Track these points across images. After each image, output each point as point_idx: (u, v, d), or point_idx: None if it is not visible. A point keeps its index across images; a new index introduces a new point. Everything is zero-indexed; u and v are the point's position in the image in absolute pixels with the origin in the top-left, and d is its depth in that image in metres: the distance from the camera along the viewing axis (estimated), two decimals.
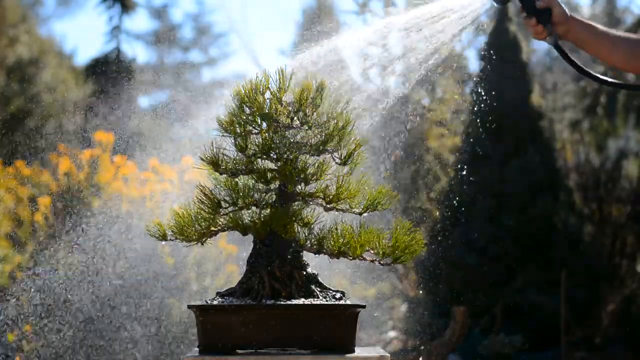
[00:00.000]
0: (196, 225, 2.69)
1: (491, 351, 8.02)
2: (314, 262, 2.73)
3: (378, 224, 2.70)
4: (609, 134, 10.48)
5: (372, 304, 7.35)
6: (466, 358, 7.85)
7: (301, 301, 2.60)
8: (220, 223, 2.71)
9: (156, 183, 6.28)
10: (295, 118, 2.68)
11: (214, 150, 2.69)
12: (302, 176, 2.67)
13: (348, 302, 2.64)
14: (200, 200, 2.69)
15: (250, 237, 2.71)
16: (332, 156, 2.72)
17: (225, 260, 6.28)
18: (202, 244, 2.72)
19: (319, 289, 2.66)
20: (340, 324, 2.58)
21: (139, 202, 6.13)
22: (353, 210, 2.74)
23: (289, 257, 2.66)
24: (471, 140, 8.90)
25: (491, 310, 8.42)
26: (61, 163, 6.19)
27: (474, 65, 11.06)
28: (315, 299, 2.62)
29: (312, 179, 2.69)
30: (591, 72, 3.30)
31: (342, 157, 2.72)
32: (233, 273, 6.11)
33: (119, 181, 6.17)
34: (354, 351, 2.60)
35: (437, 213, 8.85)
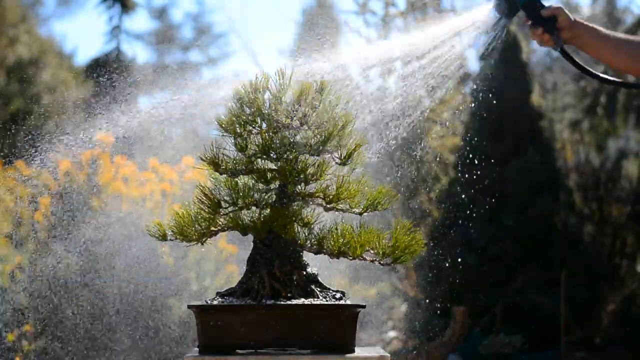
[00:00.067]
0: (196, 225, 2.69)
1: (491, 351, 8.02)
2: (314, 262, 2.74)
3: (378, 224, 2.70)
4: (609, 134, 10.48)
5: (372, 304, 7.35)
6: (466, 358, 7.85)
7: (301, 301, 2.60)
8: (220, 223, 2.71)
9: (156, 183, 6.28)
10: (295, 118, 2.68)
11: (214, 150, 2.69)
12: (302, 176, 2.67)
13: (348, 302, 2.64)
14: (200, 200, 2.69)
15: (250, 237, 2.71)
16: (332, 156, 2.72)
17: (225, 260, 6.28)
18: (202, 244, 2.72)
19: (319, 289, 2.67)
20: (340, 324, 2.58)
21: (139, 202, 6.13)
22: (353, 210, 2.74)
23: (289, 257, 2.66)
24: (471, 140, 8.90)
25: (491, 310, 8.42)
26: (61, 163, 6.19)
27: (474, 65, 11.06)
28: (315, 299, 2.62)
29: (312, 179, 2.69)
30: (601, 74, 3.32)
31: (342, 157, 2.72)
32: (233, 273, 6.11)
33: (119, 181, 6.17)
34: (354, 351, 2.60)
35: (437, 213, 8.85)
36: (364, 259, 2.69)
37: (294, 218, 2.65)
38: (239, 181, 2.72)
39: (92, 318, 5.69)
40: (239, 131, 2.68)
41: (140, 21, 29.95)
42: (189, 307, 2.63)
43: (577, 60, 3.26)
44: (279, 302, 2.58)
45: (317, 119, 2.69)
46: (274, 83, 2.67)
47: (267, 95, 2.69)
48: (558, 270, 8.45)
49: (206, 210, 2.69)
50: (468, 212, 8.59)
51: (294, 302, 2.59)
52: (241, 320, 2.56)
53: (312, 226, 2.68)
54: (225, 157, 2.70)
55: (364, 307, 2.64)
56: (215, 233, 2.73)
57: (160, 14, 20.50)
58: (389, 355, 2.59)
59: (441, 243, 8.16)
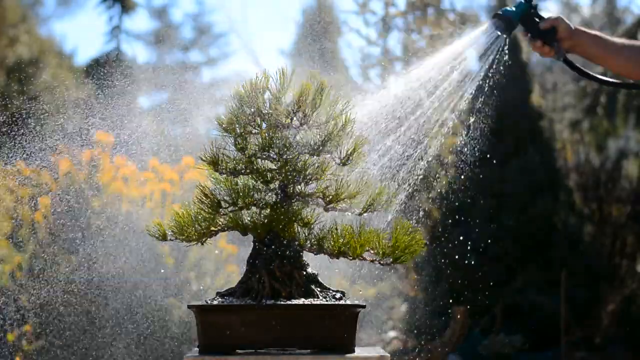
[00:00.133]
0: (196, 225, 2.69)
1: (491, 351, 8.02)
2: (314, 262, 2.74)
3: (378, 224, 2.70)
4: (609, 134, 10.48)
5: (372, 304, 7.35)
6: (466, 358, 7.85)
7: (301, 301, 2.60)
8: (220, 223, 2.71)
9: (156, 183, 6.28)
10: (294, 118, 2.68)
11: (214, 150, 2.69)
12: (302, 176, 2.67)
13: (348, 302, 2.64)
14: (200, 200, 2.69)
15: (250, 237, 2.71)
16: (332, 156, 2.72)
17: (225, 260, 6.28)
18: (202, 244, 2.73)
19: (319, 289, 2.67)
20: (340, 324, 2.58)
21: (138, 202, 6.13)
22: (353, 210, 2.74)
23: (289, 257, 2.66)
24: (471, 140, 8.89)
25: (491, 310, 8.42)
26: (61, 163, 6.19)
27: (474, 65, 11.04)
28: (315, 299, 2.62)
29: (312, 179, 2.69)
30: (607, 79, 3.33)
31: (342, 157, 2.72)
32: (233, 273, 6.11)
33: (119, 181, 6.17)
34: (354, 351, 2.60)
35: (437, 213, 8.85)
36: (364, 259, 2.69)
37: (294, 218, 2.65)
38: (239, 181, 2.72)
39: (92, 318, 5.69)
40: (239, 131, 2.68)
41: (140, 21, 29.95)
42: (189, 307, 2.63)
43: (581, 68, 3.27)
44: (279, 302, 2.58)
45: (317, 119, 2.69)
46: (274, 83, 2.67)
47: (267, 95, 2.69)
48: (558, 270, 8.45)
49: (206, 210, 2.69)
50: (468, 212, 8.59)
51: (294, 302, 2.59)
52: (241, 320, 2.56)
53: (312, 226, 2.68)
54: (225, 157, 2.70)
55: (364, 307, 2.65)
56: (215, 233, 2.73)
57: (160, 14, 20.50)
58: (389, 355, 2.59)
59: (441, 243, 8.16)
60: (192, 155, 6.30)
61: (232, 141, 2.69)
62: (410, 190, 3.15)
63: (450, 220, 8.60)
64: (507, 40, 3.29)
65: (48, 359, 5.64)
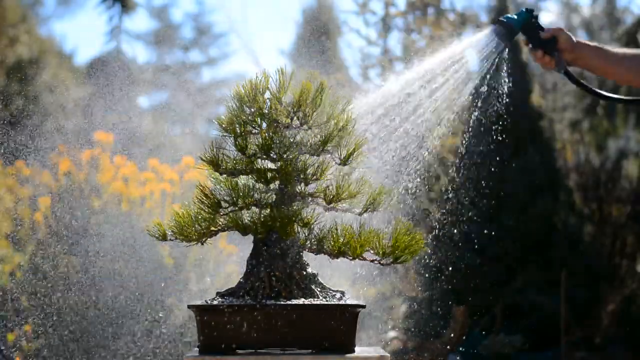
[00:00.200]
0: (196, 225, 2.69)
1: (491, 351, 8.02)
2: (314, 262, 2.74)
3: (378, 224, 2.70)
4: (609, 134, 10.48)
5: (372, 304, 7.35)
6: (466, 358, 7.85)
7: (301, 301, 2.60)
8: (220, 223, 2.71)
9: (156, 183, 6.28)
10: (295, 118, 2.68)
11: (214, 150, 2.69)
12: (302, 176, 2.67)
13: (348, 302, 2.64)
14: (200, 200, 2.69)
15: (250, 237, 2.71)
16: (332, 156, 2.72)
17: (225, 260, 6.28)
18: (202, 244, 2.72)
19: (319, 289, 2.67)
20: (340, 324, 2.58)
21: (139, 202, 6.13)
22: (353, 210, 2.74)
23: (289, 257, 2.66)
24: (471, 140, 8.90)
25: (491, 310, 8.42)
26: (61, 163, 6.19)
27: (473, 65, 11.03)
28: (315, 299, 2.62)
29: (312, 179, 2.69)
30: (608, 94, 3.33)
31: (342, 157, 2.72)
32: (233, 273, 6.11)
33: (119, 181, 6.17)
34: (354, 351, 2.60)
35: (437, 213, 8.84)
36: (364, 259, 2.69)
37: (294, 218, 2.65)
38: (239, 181, 2.71)
39: (92, 318, 5.69)
40: (239, 131, 2.68)
41: (140, 21, 29.97)
42: (189, 307, 2.63)
43: (581, 81, 3.26)
44: (279, 302, 2.58)
45: (317, 119, 2.69)
46: (274, 83, 2.67)
47: (267, 95, 2.69)
48: (558, 270, 8.45)
49: (206, 210, 2.68)
50: (468, 212, 8.58)
51: (294, 302, 2.59)
52: (241, 320, 2.56)
53: (312, 226, 2.68)
54: (225, 157, 2.70)
55: (364, 307, 2.64)
56: (215, 233, 2.73)
57: (160, 14, 20.51)
58: (389, 355, 2.59)
59: (441, 243, 8.16)
60: (192, 155, 6.31)
61: (232, 141, 2.69)
62: (412, 191, 3.15)
63: (450, 221, 8.59)
64: (507, 49, 3.27)
65: (48, 359, 5.64)
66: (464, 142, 9.11)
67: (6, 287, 5.81)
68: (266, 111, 2.67)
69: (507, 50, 3.27)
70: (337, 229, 2.66)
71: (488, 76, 3.27)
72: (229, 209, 2.69)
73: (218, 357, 2.56)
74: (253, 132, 2.69)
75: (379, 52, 10.23)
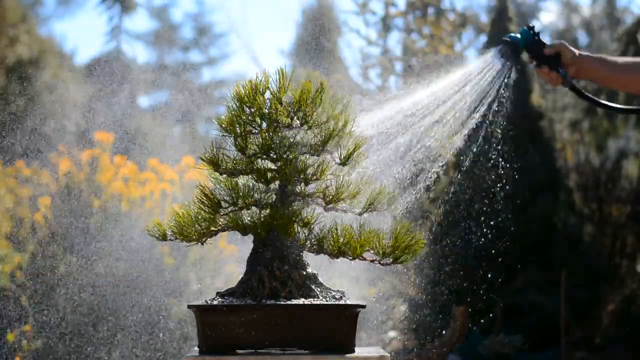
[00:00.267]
0: (196, 225, 2.69)
1: (491, 351, 8.03)
2: (314, 263, 2.74)
3: (379, 224, 2.70)
4: (609, 134, 10.48)
5: (372, 304, 7.36)
6: (466, 358, 7.86)
7: (301, 301, 2.60)
8: (220, 223, 2.71)
9: (156, 183, 6.29)
10: (295, 118, 2.68)
11: (214, 150, 2.69)
12: (302, 176, 2.67)
13: (348, 302, 2.64)
14: (200, 200, 2.69)
15: (250, 237, 2.71)
16: (332, 156, 2.72)
17: (225, 260, 6.28)
18: (202, 244, 2.72)
19: (319, 289, 2.67)
20: (340, 324, 2.58)
21: (138, 202, 6.13)
22: (353, 210, 2.74)
23: (289, 257, 2.66)
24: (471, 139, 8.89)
25: (491, 310, 8.43)
26: (61, 163, 6.20)
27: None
28: (315, 299, 2.62)
29: (312, 179, 2.69)
30: (616, 105, 3.34)
31: (342, 157, 2.72)
32: (233, 273, 6.11)
33: (119, 181, 6.18)
34: (354, 351, 2.60)
35: (437, 213, 8.85)
36: (364, 259, 2.69)
37: (294, 218, 2.65)
38: (239, 181, 2.72)
39: (92, 318, 5.69)
40: (239, 131, 2.68)
41: (140, 21, 29.99)
42: (189, 307, 2.63)
43: (588, 95, 3.27)
44: (279, 302, 2.58)
45: (317, 118, 2.69)
46: (274, 83, 2.67)
47: (267, 95, 2.69)
48: (558, 270, 8.46)
49: (206, 210, 2.68)
50: (468, 212, 8.59)
51: (294, 302, 2.59)
52: (241, 320, 2.56)
53: (312, 226, 2.68)
54: (225, 157, 2.70)
55: (364, 307, 2.64)
56: (215, 233, 2.73)
57: (160, 14, 20.51)
58: (389, 355, 2.59)
59: (441, 243, 8.16)
60: (192, 155, 6.31)
61: (232, 141, 2.69)
62: (417, 193, 3.16)
63: (450, 221, 8.60)
64: (514, 68, 3.27)
65: (48, 359, 5.64)
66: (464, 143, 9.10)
67: (6, 287, 5.81)
68: (266, 111, 2.67)
69: (514, 69, 3.27)
70: (337, 229, 2.66)
71: (498, 94, 3.28)
72: (229, 209, 2.69)
73: (218, 357, 2.56)
74: (253, 132, 2.69)
75: (379, 52, 10.24)
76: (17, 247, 6.01)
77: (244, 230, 2.69)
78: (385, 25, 10.19)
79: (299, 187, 2.70)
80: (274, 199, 2.70)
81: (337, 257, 2.69)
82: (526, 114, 9.35)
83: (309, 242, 2.69)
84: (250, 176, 2.70)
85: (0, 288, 5.81)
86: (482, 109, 3.25)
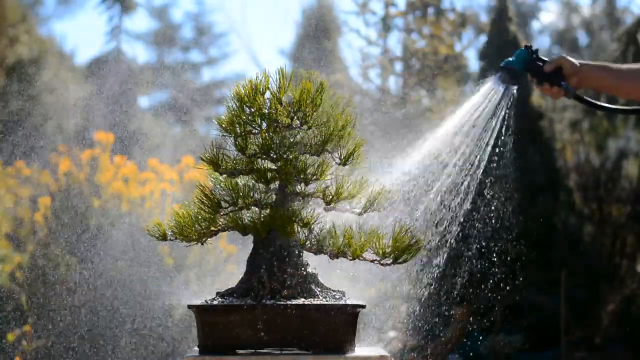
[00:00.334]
0: (196, 225, 2.69)
1: (491, 351, 8.02)
2: (314, 263, 2.73)
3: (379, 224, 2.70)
4: (609, 134, 10.48)
5: (372, 304, 7.36)
6: (466, 358, 7.85)
7: (301, 301, 2.60)
8: (220, 223, 2.71)
9: (156, 183, 6.29)
10: (295, 118, 2.68)
11: (214, 150, 2.69)
12: (302, 176, 2.67)
13: (348, 302, 2.64)
14: (200, 200, 2.69)
15: (250, 237, 2.71)
16: (332, 156, 2.72)
17: (225, 260, 6.28)
18: (202, 244, 2.72)
19: (319, 289, 2.66)
20: (340, 324, 2.58)
21: (138, 202, 6.13)
22: (353, 210, 2.74)
23: (289, 257, 2.66)
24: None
25: (491, 310, 8.43)
26: (61, 163, 6.20)
27: (474, 65, 11.06)
28: (315, 299, 2.62)
29: (312, 179, 2.69)
30: (618, 107, 3.36)
31: (342, 157, 2.72)
32: (233, 273, 6.11)
33: (119, 181, 6.18)
34: (354, 351, 2.60)
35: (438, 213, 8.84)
36: (364, 259, 2.69)
37: (294, 218, 2.65)
38: (239, 181, 2.71)
39: (92, 318, 5.69)
40: (239, 131, 2.68)
41: (140, 21, 29.99)
42: (189, 307, 2.63)
43: (594, 101, 3.28)
44: (279, 302, 2.58)
45: (317, 119, 2.69)
46: (274, 83, 2.67)
47: (267, 95, 2.69)
48: (558, 270, 8.45)
49: (206, 210, 2.68)
50: (468, 212, 8.57)
51: (294, 302, 2.59)
52: (241, 320, 2.56)
53: (312, 226, 2.68)
54: (225, 157, 2.69)
55: (364, 307, 2.64)
56: (215, 233, 2.73)
57: (160, 14, 20.52)
58: (389, 355, 2.59)
59: (441, 243, 8.15)
60: (192, 155, 6.31)
61: (232, 141, 2.69)
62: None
63: (449, 220, 8.59)
64: (517, 90, 3.28)
65: (48, 359, 5.64)
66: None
67: (6, 287, 5.81)
68: (266, 111, 2.67)
69: (517, 90, 3.29)
70: (337, 229, 2.66)
71: (505, 116, 3.29)
72: (229, 209, 2.69)
73: (218, 357, 2.56)
74: (253, 132, 2.69)
75: (379, 52, 10.24)
76: (17, 247, 6.01)
77: (244, 230, 2.69)
78: (385, 25, 10.19)
79: (299, 187, 2.70)
80: (274, 199, 2.69)
81: (337, 257, 2.69)
82: (526, 114, 9.35)
83: (309, 242, 2.69)
84: (250, 176, 2.70)
85: (1, 288, 5.81)
86: (493, 134, 3.29)
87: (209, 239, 2.73)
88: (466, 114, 3.25)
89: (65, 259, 5.75)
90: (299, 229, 2.68)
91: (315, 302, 2.60)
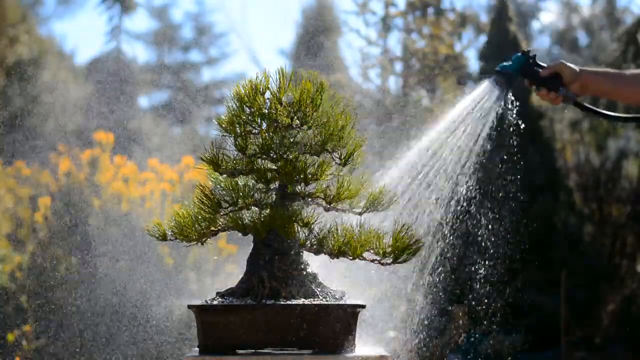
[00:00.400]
0: (196, 225, 2.69)
1: (491, 351, 8.03)
2: (314, 263, 2.74)
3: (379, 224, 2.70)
4: (609, 134, 10.49)
5: (372, 304, 7.35)
6: (466, 358, 7.85)
7: (301, 301, 2.60)
8: (220, 223, 2.71)
9: (156, 183, 6.29)
10: (295, 118, 2.68)
11: (214, 150, 2.69)
12: (302, 176, 2.67)
13: (348, 302, 2.64)
14: (200, 200, 2.69)
15: (250, 237, 2.71)
16: (332, 156, 2.72)
17: (225, 260, 6.28)
18: (202, 244, 2.72)
19: (319, 289, 2.66)
20: (340, 324, 2.58)
21: (138, 202, 6.13)
22: (353, 210, 2.74)
23: (289, 257, 2.66)
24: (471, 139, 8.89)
25: (491, 311, 8.43)
26: (61, 163, 6.20)
27: (474, 65, 11.06)
28: (315, 299, 2.62)
29: (312, 179, 2.68)
30: (620, 114, 3.36)
31: (342, 157, 2.71)
32: (233, 273, 6.11)
33: (119, 181, 6.18)
34: (354, 351, 2.60)
35: (437, 213, 8.84)
36: (364, 259, 2.69)
37: (294, 218, 2.65)
38: (239, 181, 2.71)
39: (92, 318, 5.69)
40: (239, 131, 2.68)
41: (140, 21, 29.99)
42: (189, 307, 2.63)
43: (594, 108, 3.28)
44: (278, 302, 2.58)
45: (317, 119, 2.69)
46: (274, 83, 2.67)
47: (267, 95, 2.69)
48: (558, 270, 8.46)
49: (206, 210, 2.68)
50: (468, 212, 8.58)
51: (294, 302, 2.59)
52: (241, 320, 2.56)
53: (312, 226, 2.68)
54: (225, 157, 2.69)
55: (364, 307, 2.64)
56: (215, 233, 2.73)
57: (160, 14, 20.52)
58: (389, 355, 2.59)
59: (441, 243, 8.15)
60: (192, 155, 6.31)
61: (232, 141, 2.69)
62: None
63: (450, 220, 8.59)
64: (510, 93, 3.28)
65: (48, 359, 5.64)
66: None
67: (6, 287, 5.81)
68: (266, 111, 2.67)
69: (510, 93, 3.28)
70: (337, 229, 2.66)
71: (498, 118, 3.30)
72: (229, 209, 2.69)
73: (218, 357, 2.56)
74: (253, 132, 2.69)
75: (379, 52, 10.24)
76: (17, 247, 6.01)
77: (244, 230, 2.69)
78: (385, 25, 10.19)
79: (299, 187, 2.70)
80: (274, 199, 2.69)
81: (337, 257, 2.69)
82: (526, 114, 9.35)
83: (309, 242, 2.69)
84: (250, 176, 2.70)
85: (1, 288, 5.81)
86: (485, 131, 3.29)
87: (209, 239, 2.73)
88: (458, 116, 3.26)
89: (65, 259, 5.75)
90: (299, 228, 2.68)
91: (315, 302, 2.60)
